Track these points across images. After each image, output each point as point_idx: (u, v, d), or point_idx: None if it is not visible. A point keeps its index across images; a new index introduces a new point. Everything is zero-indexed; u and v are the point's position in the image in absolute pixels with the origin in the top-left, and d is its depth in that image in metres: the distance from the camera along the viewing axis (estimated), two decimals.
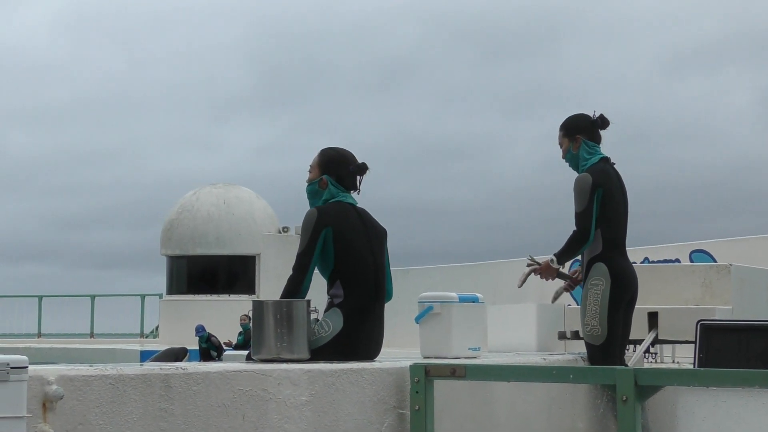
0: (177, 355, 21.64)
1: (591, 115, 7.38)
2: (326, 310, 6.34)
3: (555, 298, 7.76)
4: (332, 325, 6.22)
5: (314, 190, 6.55)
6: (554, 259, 7.20)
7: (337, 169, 6.55)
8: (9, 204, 64.68)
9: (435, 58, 65.08)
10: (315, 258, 6.29)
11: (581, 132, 7.33)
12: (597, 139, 7.38)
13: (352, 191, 6.58)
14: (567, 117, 7.43)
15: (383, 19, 65.71)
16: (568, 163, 7.42)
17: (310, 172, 6.62)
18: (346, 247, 6.31)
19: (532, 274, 7.38)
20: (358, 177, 6.60)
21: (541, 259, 7.39)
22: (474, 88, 64.47)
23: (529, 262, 7.40)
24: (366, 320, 6.32)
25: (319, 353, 6.10)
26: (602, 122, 7.37)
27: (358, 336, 6.26)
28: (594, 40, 62.54)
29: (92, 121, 68.03)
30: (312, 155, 6.67)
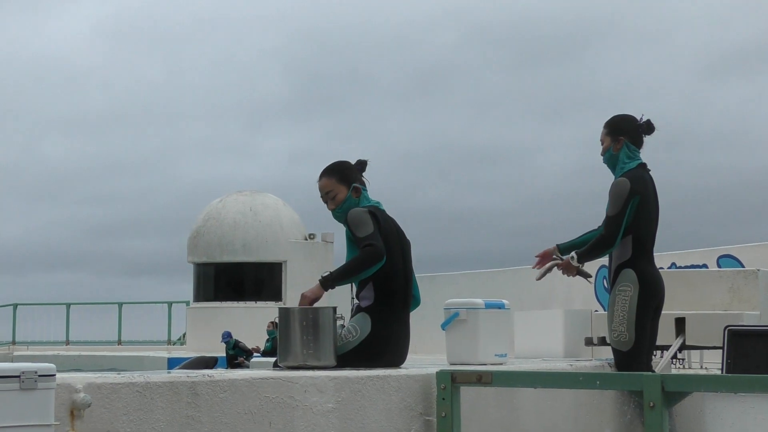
0: (207, 363, 21.75)
1: (638, 118, 7.33)
2: (353, 315, 6.33)
3: (541, 276, 7.52)
4: (360, 329, 6.21)
5: (350, 206, 6.41)
6: (575, 257, 7.16)
7: (356, 176, 6.55)
8: (44, 212, 65.16)
9: (471, 64, 65.22)
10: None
11: (626, 134, 7.27)
12: (639, 144, 7.32)
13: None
14: (614, 115, 7.36)
15: (420, 26, 65.86)
16: (604, 162, 7.38)
17: (332, 197, 6.50)
18: (385, 250, 6.29)
19: (555, 268, 7.33)
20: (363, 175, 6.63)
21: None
22: (509, 95, 64.58)
23: (554, 255, 7.34)
24: (394, 326, 6.31)
25: (346, 358, 6.10)
26: (648, 128, 7.32)
27: (385, 341, 6.25)
28: (631, 45, 62.41)
29: (129, 128, 68.46)
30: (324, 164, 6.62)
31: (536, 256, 7.42)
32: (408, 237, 6.58)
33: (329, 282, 6.13)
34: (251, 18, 69.12)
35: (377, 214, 6.32)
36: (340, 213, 6.45)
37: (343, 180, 6.50)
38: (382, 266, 6.22)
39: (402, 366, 6.30)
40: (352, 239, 6.25)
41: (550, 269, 7.35)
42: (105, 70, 69.96)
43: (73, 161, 67.59)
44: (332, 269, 6.23)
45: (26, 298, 39.18)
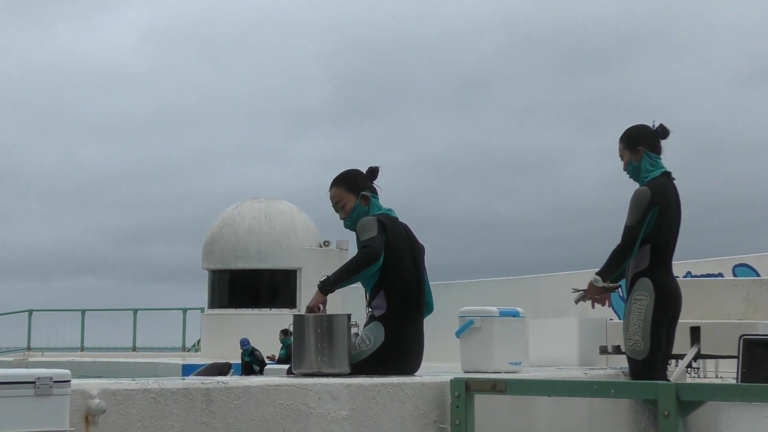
0: (221, 369, 21.79)
1: (651, 125, 7.31)
2: (366, 324, 6.33)
3: (577, 300, 7.52)
4: (373, 338, 6.22)
5: (360, 214, 6.45)
6: (598, 278, 7.12)
7: (365, 184, 6.56)
8: (75, 218, 65.26)
9: (511, 73, 65.21)
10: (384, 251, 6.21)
11: (643, 143, 7.24)
12: (658, 150, 7.28)
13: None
14: (626, 129, 7.35)
15: (465, 35, 65.84)
16: (629, 175, 7.34)
17: (342, 206, 6.54)
18: (395, 258, 6.31)
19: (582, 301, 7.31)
20: (374, 182, 6.62)
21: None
22: (547, 103, 64.46)
23: (573, 290, 7.32)
24: (407, 334, 6.32)
25: (360, 367, 6.10)
26: (663, 132, 7.29)
27: (399, 349, 6.26)
28: (669, 55, 62.15)
29: (169, 134, 68.66)
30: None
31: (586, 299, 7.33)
32: (423, 243, 6.61)
33: (328, 285, 6.15)
34: (298, 25, 69.31)
35: (385, 221, 6.33)
36: (351, 222, 6.50)
37: (351, 189, 6.52)
38: (394, 272, 6.27)
39: (416, 373, 6.30)
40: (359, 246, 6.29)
41: (581, 299, 7.30)
42: (151, 76, 70.24)
43: (109, 167, 67.73)
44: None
45: (48, 304, 39.31)
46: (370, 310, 6.37)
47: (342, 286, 6.19)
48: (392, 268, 6.30)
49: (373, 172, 6.63)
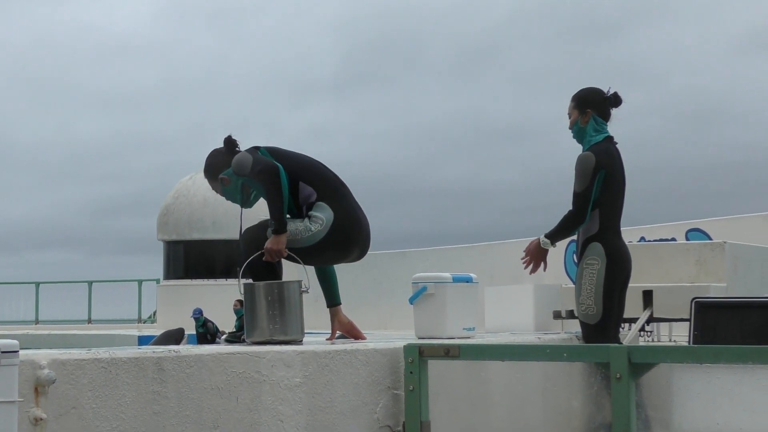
0: (175, 336, 21.67)
1: (606, 91, 7.34)
2: (309, 211, 6.46)
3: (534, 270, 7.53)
4: (324, 216, 6.39)
5: (227, 190, 6.84)
6: (547, 241, 7.14)
7: (221, 166, 6.74)
8: (59, 192, 64.42)
9: (517, 39, 64.96)
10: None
11: (593, 107, 7.28)
12: (606, 117, 7.33)
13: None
14: (581, 89, 7.39)
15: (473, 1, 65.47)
16: (572, 135, 7.39)
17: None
18: (288, 156, 6.56)
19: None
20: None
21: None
22: (548, 71, 64.33)
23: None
24: (349, 203, 6.54)
25: (322, 245, 6.33)
26: (615, 100, 7.33)
27: (351, 217, 6.47)
28: (673, 20, 62.12)
29: (170, 105, 67.85)
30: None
31: (524, 252, 7.33)
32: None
33: (277, 225, 6.38)
34: None
35: (251, 151, 6.57)
36: (226, 196, 6.90)
37: (213, 177, 6.81)
38: (301, 162, 6.55)
39: (370, 341, 6.31)
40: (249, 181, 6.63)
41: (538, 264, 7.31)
42: (158, 47, 69.33)
43: (103, 140, 66.79)
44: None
45: (13, 277, 38.91)
46: (303, 204, 6.50)
47: (284, 214, 6.40)
48: (293, 162, 6.52)
49: (229, 144, 6.76)
